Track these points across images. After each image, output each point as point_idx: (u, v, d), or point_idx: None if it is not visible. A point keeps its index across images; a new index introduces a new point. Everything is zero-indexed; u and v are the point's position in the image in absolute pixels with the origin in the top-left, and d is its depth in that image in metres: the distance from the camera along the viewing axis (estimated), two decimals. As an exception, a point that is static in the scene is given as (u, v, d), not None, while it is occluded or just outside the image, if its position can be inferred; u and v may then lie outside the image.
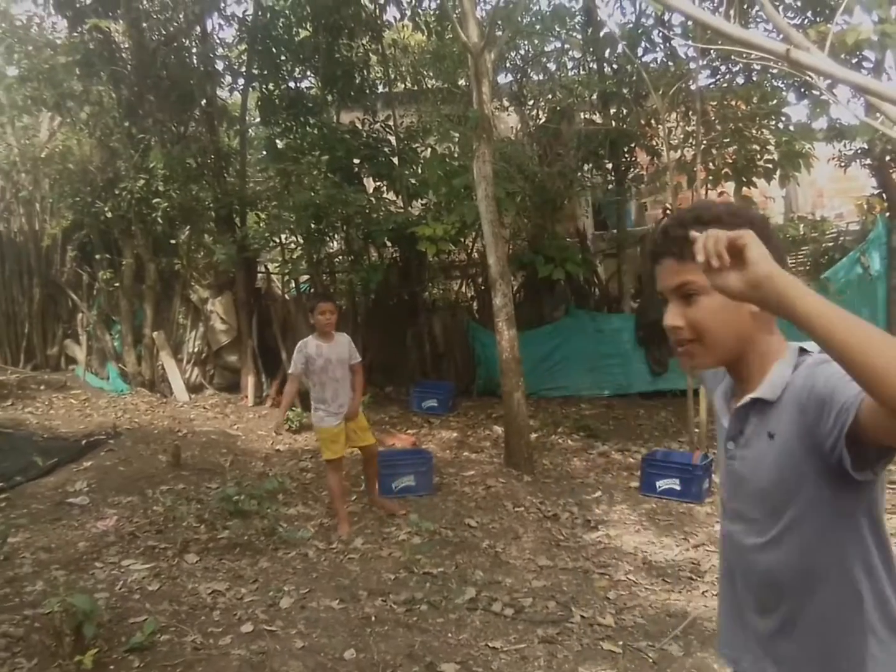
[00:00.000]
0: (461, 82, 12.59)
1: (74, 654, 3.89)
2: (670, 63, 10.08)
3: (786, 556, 1.65)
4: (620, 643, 4.38)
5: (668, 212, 11.23)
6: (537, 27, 11.09)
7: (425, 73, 13.39)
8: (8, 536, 5.69)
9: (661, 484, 7.24)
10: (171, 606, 4.69)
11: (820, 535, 1.59)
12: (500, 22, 8.79)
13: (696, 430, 8.05)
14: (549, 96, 12.34)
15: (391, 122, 12.24)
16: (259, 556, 5.59)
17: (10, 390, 10.11)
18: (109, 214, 10.36)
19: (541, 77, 12.50)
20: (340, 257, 12.07)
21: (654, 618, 4.75)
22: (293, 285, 11.96)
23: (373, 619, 4.60)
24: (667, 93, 8.40)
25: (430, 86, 13.40)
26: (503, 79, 12.55)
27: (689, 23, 9.21)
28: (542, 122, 12.38)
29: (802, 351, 1.66)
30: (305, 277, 11.76)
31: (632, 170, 11.88)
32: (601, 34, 10.91)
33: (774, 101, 8.75)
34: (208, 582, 5.09)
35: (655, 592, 5.18)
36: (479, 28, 7.85)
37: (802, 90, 9.00)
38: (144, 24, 11.08)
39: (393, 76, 13.07)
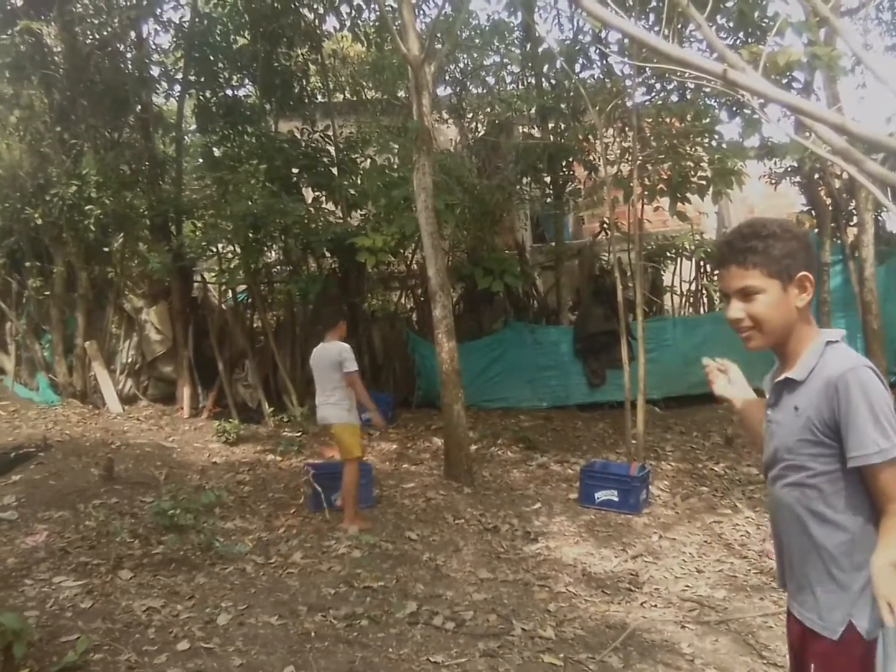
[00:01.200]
0: (400, 94, 12.62)
1: (3, 676, 3.77)
2: (607, 80, 10.23)
3: (804, 498, 2.16)
4: (561, 655, 4.39)
5: (605, 225, 11.40)
6: (476, 41, 11.19)
7: (364, 83, 13.38)
8: (-69, 554, 5.51)
9: (600, 495, 7.32)
10: (105, 624, 4.56)
11: (830, 482, 2.11)
12: (439, 35, 8.82)
13: (634, 442, 8.15)
14: (488, 109, 12.46)
15: (330, 133, 12.19)
16: (195, 572, 5.48)
17: (-66, 401, 9.79)
18: (40, 221, 10.12)
19: (480, 90, 12.60)
20: (279, 267, 11.95)
21: (594, 629, 4.78)
22: (230, 295, 11.80)
23: (312, 634, 4.53)
24: (604, 109, 8.53)
25: (369, 97, 13.40)
26: (442, 91, 12.62)
27: (626, 40, 9.35)
28: (480, 134, 12.48)
29: (829, 342, 2.14)
30: (243, 287, 11.61)
31: (570, 184, 12.00)
32: (540, 50, 11.04)
33: (708, 119, 8.92)
34: (143, 599, 4.97)
35: (595, 604, 5.22)
36: (419, 40, 7.88)
37: (734, 109, 9.20)
38: (78, 28, 10.87)
39: (332, 86, 13.04)
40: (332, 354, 6.64)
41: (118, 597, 5.00)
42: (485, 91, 12.48)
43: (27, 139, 10.59)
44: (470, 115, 12.69)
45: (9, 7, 10.41)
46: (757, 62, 2.91)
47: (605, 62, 10.89)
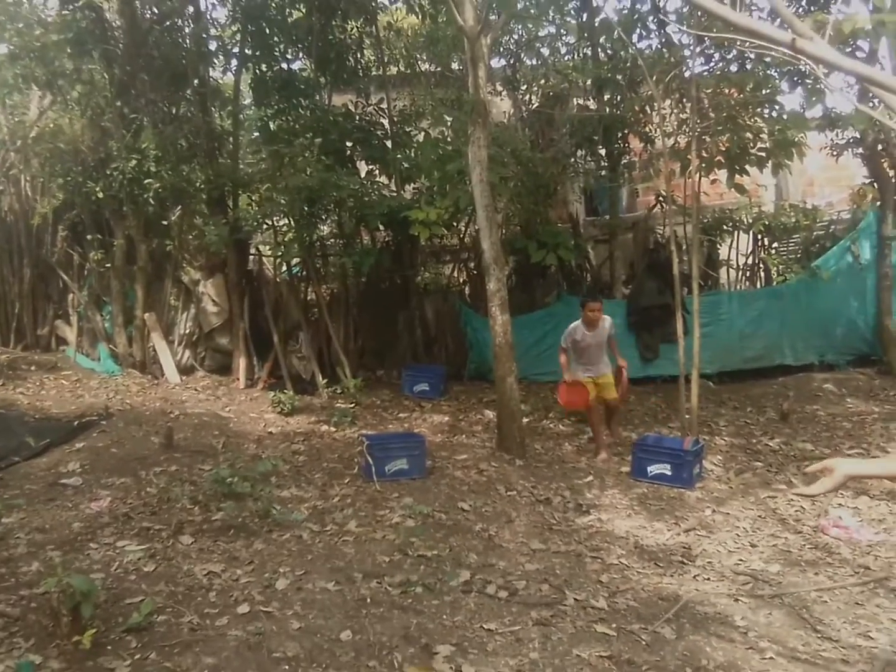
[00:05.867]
0: (455, 66, 12.57)
1: (72, 635, 3.90)
2: (665, 50, 10.07)
3: None
4: (614, 626, 4.43)
5: (660, 199, 11.28)
6: (532, 11, 11.05)
7: (419, 56, 13.34)
8: (2, 517, 5.71)
9: (653, 469, 7.31)
10: (168, 587, 4.70)
11: None
12: (494, 6, 8.75)
13: (687, 416, 8.11)
14: (543, 81, 12.34)
15: (384, 106, 12.20)
16: (254, 538, 5.61)
17: (0, 371, 10.06)
18: (101, 195, 10.30)
19: (534, 62, 12.47)
20: (332, 240, 12.03)
21: (647, 601, 4.80)
22: (285, 268, 11.92)
23: (368, 600, 4.63)
24: (661, 80, 8.40)
25: (423, 69, 13.36)
26: (497, 63, 12.53)
27: (685, 9, 9.22)
28: (535, 107, 12.38)
29: None
30: (297, 260, 11.73)
31: (625, 156, 11.87)
32: (597, 20, 10.90)
33: (768, 90, 8.76)
34: (204, 563, 5.10)
35: (647, 576, 5.24)
36: (475, 11, 7.83)
37: (796, 79, 9.01)
38: (137, 2, 10.98)
39: (386, 59, 13.01)
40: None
41: (180, 561, 5.14)
42: (539, 62, 12.36)
43: (88, 114, 10.77)
44: (524, 87, 12.58)
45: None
46: (821, 31, 2.86)
47: (663, 32, 10.73)
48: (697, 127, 8.21)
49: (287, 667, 3.90)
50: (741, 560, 5.54)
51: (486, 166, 7.99)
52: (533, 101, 12.67)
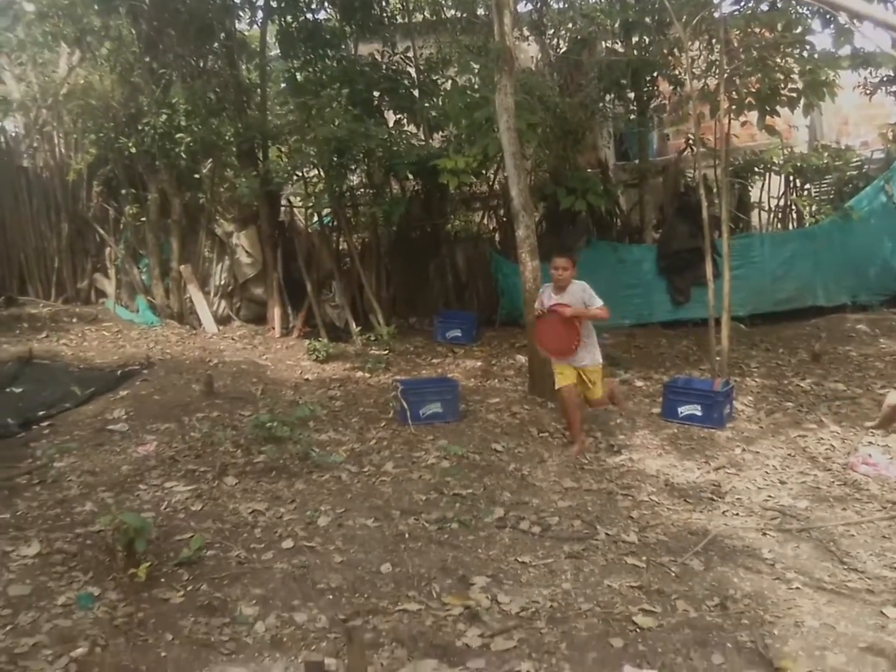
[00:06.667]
0: (480, 11, 12.47)
1: (127, 568, 4.12)
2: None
3: None
4: (644, 558, 4.58)
5: (690, 142, 11.20)
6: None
7: (444, 2, 13.23)
8: (55, 461, 5.95)
9: (683, 410, 7.41)
10: (215, 525, 4.93)
11: None
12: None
13: (717, 359, 8.17)
14: (570, 25, 12.21)
15: (410, 54, 12.16)
16: (295, 479, 5.82)
17: (43, 323, 10.32)
18: (133, 150, 10.44)
19: (561, 5, 12.32)
20: (362, 190, 12.10)
21: (676, 535, 4.95)
22: (315, 218, 12.03)
23: (406, 536, 4.83)
24: (689, 21, 8.32)
25: (448, 16, 13.26)
26: (523, 8, 12.40)
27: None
28: (562, 51, 12.28)
29: None
30: (327, 210, 11.82)
31: (654, 100, 11.78)
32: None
33: (799, 29, 8.65)
34: (248, 502, 5.32)
35: (677, 512, 5.38)
36: (502, -45, 7.79)
37: (828, 17, 8.87)
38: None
39: (412, 6, 12.93)
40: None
41: (225, 501, 5.37)
42: (567, 6, 12.22)
43: (118, 70, 10.86)
44: (551, 32, 12.47)
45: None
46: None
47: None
48: (727, 68, 8.15)
49: (331, 597, 4.10)
50: (770, 496, 5.66)
51: (513, 113, 8.01)
52: (560, 46, 12.57)
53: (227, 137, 11.01)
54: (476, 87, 10.78)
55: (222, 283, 11.56)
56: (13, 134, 12.22)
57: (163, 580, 4.20)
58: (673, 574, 4.39)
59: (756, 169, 11.91)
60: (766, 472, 6.17)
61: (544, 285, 7.05)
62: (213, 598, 4.05)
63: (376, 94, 11.74)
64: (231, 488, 5.61)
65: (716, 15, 8.52)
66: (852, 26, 8.62)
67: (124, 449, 6.43)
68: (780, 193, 12.18)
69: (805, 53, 8.94)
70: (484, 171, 11.20)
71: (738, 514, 5.34)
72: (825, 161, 11.63)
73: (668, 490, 5.82)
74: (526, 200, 8.02)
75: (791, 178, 12.00)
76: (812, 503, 5.50)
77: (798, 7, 8.89)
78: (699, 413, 7.32)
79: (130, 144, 10.42)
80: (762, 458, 6.50)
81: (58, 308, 11.11)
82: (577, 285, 6.61)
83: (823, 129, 16.35)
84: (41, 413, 7.22)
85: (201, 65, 11.44)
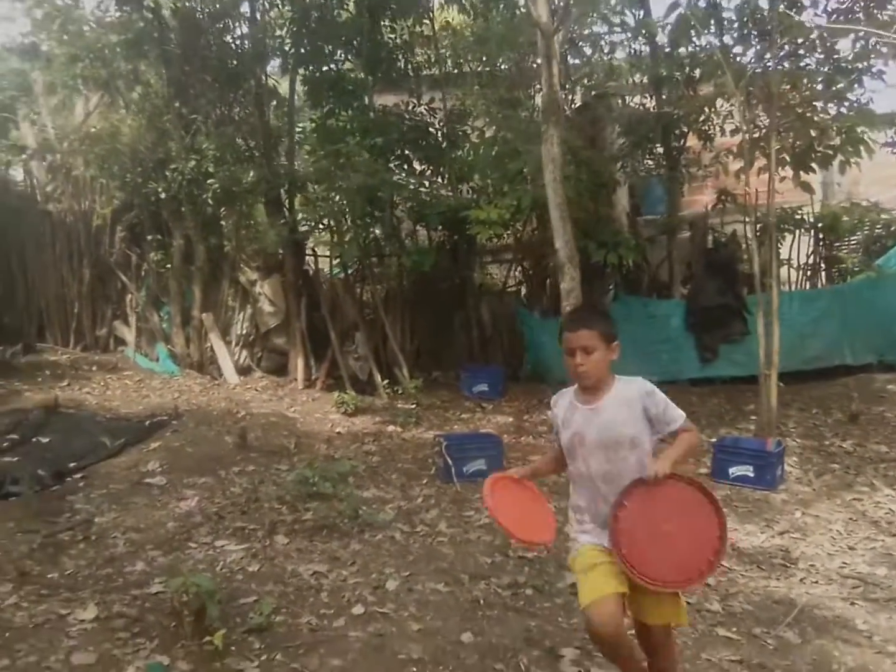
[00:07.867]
0: (501, 65, 12.46)
1: (196, 635, 3.87)
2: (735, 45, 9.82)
3: None
4: (734, 629, 4.34)
5: (722, 197, 11.10)
6: (602, 8, 10.89)
7: (468, 56, 13.22)
8: (96, 516, 5.70)
9: (734, 471, 7.19)
10: (277, 587, 4.67)
11: None
12: (562, 2, 8.69)
13: (753, 417, 7.96)
14: (596, 77, 12.21)
15: (435, 105, 12.13)
16: (347, 539, 5.57)
17: (63, 371, 10.10)
18: (163, 195, 10.32)
19: (592, 57, 12.29)
20: (387, 240, 11.97)
21: (761, 604, 4.71)
22: (340, 268, 11.85)
23: (481, 602, 4.57)
24: (737, 77, 8.24)
25: (471, 69, 13.25)
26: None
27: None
28: (588, 103, 12.26)
29: None
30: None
31: (683, 154, 11.73)
32: (666, 16, 10.55)
33: (841, 84, 8.62)
34: (306, 563, 5.06)
35: (754, 579, 5.14)
36: (549, 8, 7.77)
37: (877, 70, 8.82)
38: (192, 2, 10.97)
39: (434, 59, 12.91)
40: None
41: (282, 561, 5.11)
42: (597, 58, 12.20)
43: (147, 114, 10.79)
44: (586, 81, 12.45)
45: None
46: None
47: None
48: (774, 125, 8.08)
49: (414, 668, 3.85)
50: (845, 563, 5.43)
51: (560, 164, 7.92)
52: (585, 100, 12.54)
53: (255, 184, 10.90)
54: (508, 138, 10.67)
55: (244, 332, 11.38)
56: (37, 179, 12.09)
57: (234, 648, 3.92)
58: (771, 647, 4.15)
59: (786, 225, 11.83)
60: (833, 538, 5.94)
61: (560, 392, 3.49)
62: (290, 668, 3.79)
63: (405, 144, 11.67)
64: (284, 547, 5.36)
65: (758, 70, 8.47)
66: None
67: (165, 504, 6.16)
68: (810, 251, 12.10)
69: (843, 110, 8.92)
70: (513, 224, 11.08)
71: (817, 582, 5.11)
72: (856, 219, 11.58)
73: (737, 555, 5.58)
74: (572, 252, 7.90)
75: (821, 234, 11.92)
76: (890, 570, 5.27)
77: (840, 63, 8.84)
78: (751, 474, 7.10)
79: (160, 190, 10.30)
80: (824, 522, 6.27)
81: (77, 355, 10.92)
82: (624, 383, 3.27)
83: (834, 189, 16.36)
84: (72, 465, 6.95)
85: (229, 111, 11.37)
